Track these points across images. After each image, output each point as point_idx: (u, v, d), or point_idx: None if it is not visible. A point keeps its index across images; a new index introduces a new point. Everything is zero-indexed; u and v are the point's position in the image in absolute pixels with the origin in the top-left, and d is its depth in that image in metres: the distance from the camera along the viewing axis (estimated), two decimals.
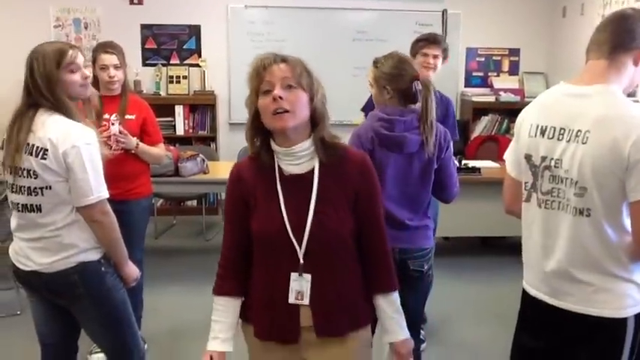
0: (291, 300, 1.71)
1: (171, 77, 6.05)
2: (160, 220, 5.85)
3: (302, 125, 1.68)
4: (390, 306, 1.81)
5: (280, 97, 1.62)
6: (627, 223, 1.72)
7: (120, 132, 3.10)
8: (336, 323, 1.75)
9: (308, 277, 1.71)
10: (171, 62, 6.12)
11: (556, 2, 6.28)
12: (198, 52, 6.14)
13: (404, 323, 1.83)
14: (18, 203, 2.17)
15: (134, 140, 3.17)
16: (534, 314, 1.95)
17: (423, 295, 2.64)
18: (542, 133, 1.82)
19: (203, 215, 5.88)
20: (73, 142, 2.08)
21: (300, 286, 1.71)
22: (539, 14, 6.37)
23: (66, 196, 2.13)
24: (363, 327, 1.84)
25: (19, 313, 3.84)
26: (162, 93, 6.02)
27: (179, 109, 6.01)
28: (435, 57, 3.44)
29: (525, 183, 1.90)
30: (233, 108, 6.20)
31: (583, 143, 1.70)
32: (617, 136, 1.64)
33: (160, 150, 3.39)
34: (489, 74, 6.48)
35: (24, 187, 2.13)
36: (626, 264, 1.73)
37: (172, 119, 6.00)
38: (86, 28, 5.98)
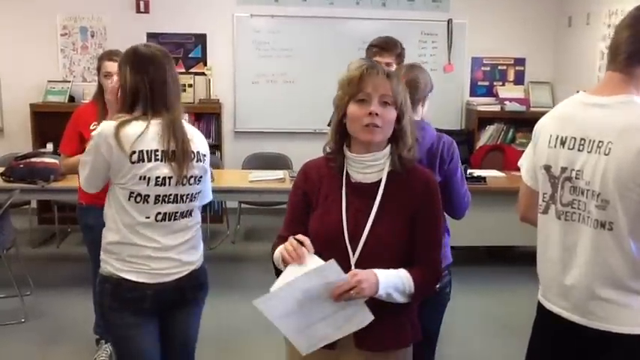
0: None
1: None
2: None
3: (385, 140, 1.74)
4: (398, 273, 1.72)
5: (376, 114, 1.67)
6: None
7: None
8: (377, 337, 1.73)
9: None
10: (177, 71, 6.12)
11: (562, 12, 6.28)
12: (203, 60, 6.16)
13: (390, 286, 1.67)
14: (175, 212, 2.09)
15: None
16: (550, 327, 1.90)
17: (438, 313, 2.56)
18: (562, 143, 1.76)
19: (207, 223, 5.85)
20: (207, 148, 2.23)
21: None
22: (544, 24, 6.37)
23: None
24: (406, 346, 1.82)
25: (23, 320, 3.83)
26: None
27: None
28: (388, 65, 3.23)
29: (543, 194, 1.83)
30: (238, 116, 6.21)
31: (605, 154, 1.64)
32: (637, 145, 1.58)
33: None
34: (495, 84, 6.47)
35: (187, 195, 2.11)
36: None
37: None
38: (92, 36, 6.01)
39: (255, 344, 3.48)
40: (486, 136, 6.25)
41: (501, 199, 4.78)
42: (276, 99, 6.11)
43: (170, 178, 2.05)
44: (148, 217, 2.06)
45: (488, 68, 6.46)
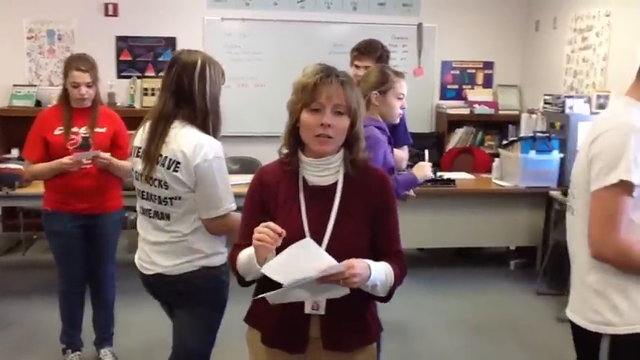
0: (307, 310, 1.72)
1: (146, 89, 6.00)
2: (133, 234, 5.75)
3: (337, 147, 1.76)
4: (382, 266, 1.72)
5: (329, 125, 1.68)
6: None
7: (98, 156, 3.05)
8: (345, 337, 1.76)
9: None
10: (146, 74, 6.07)
11: (529, 16, 6.38)
12: None
13: (377, 278, 1.67)
14: (149, 210, 2.24)
15: (110, 160, 3.11)
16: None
17: None
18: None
19: None
20: (205, 156, 2.12)
21: (316, 303, 1.72)
22: (512, 28, 6.46)
23: (193, 206, 2.18)
24: (371, 343, 1.85)
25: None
26: (137, 106, 5.96)
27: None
28: (367, 68, 3.25)
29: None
30: None
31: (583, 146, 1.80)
32: (591, 130, 1.72)
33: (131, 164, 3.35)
34: (464, 87, 6.54)
35: (155, 196, 2.20)
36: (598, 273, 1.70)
37: None
38: (60, 39, 5.91)
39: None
40: (456, 139, 6.31)
41: (470, 201, 4.85)
42: (248, 103, 6.08)
43: (141, 175, 2.21)
44: (139, 209, 2.32)
45: (457, 72, 6.53)
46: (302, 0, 6.16)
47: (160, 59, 6.06)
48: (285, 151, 1.81)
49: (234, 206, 2.22)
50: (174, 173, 2.13)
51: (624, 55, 4.83)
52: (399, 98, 2.78)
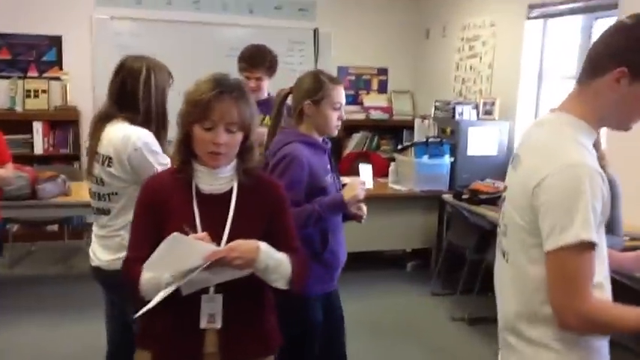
0: (203, 325, 1.68)
1: (29, 91, 5.60)
2: (16, 247, 5.38)
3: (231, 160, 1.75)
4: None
5: (221, 143, 1.66)
6: (535, 271, 1.42)
7: None
8: (243, 350, 1.74)
9: (219, 297, 1.69)
10: (28, 75, 5.66)
11: (420, 24, 6.60)
12: (59, 64, 5.74)
13: (271, 258, 1.68)
14: (94, 207, 2.35)
15: None
16: None
17: None
18: (511, 162, 1.58)
19: (65, 240, 5.50)
20: (134, 145, 2.18)
21: (211, 308, 1.69)
22: (405, 35, 6.66)
23: (130, 202, 2.14)
24: (271, 354, 1.84)
25: None
26: (19, 108, 5.55)
27: (37, 126, 5.55)
28: (258, 79, 3.25)
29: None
30: None
31: (515, 171, 1.50)
32: (533, 169, 1.39)
33: (7, 171, 3.11)
34: (360, 92, 6.66)
35: (95, 192, 2.31)
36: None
37: (30, 137, 5.53)
38: None
39: None
40: (353, 144, 6.41)
41: (368, 206, 4.89)
42: None
43: (87, 173, 2.34)
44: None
45: (353, 77, 6.64)
46: (197, 1, 6.01)
47: (44, 59, 5.69)
48: (177, 159, 1.76)
49: None
50: (108, 169, 2.22)
51: (507, 63, 5.12)
52: (336, 108, 2.42)
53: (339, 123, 2.47)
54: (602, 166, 1.50)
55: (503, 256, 1.52)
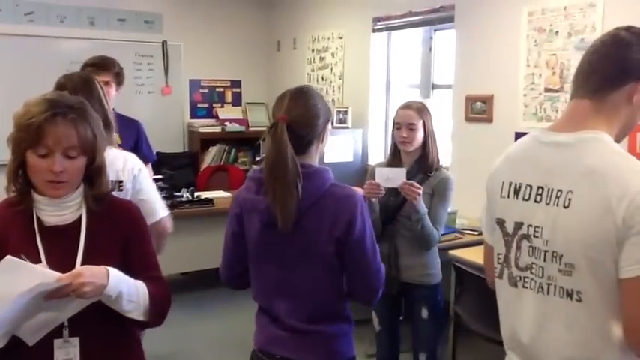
0: None
1: None
2: None
3: (74, 188, 1.57)
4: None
5: (60, 171, 1.48)
6: (611, 311, 1.28)
7: None
8: None
9: (75, 340, 1.51)
10: None
11: (271, 36, 6.65)
12: None
13: (123, 284, 1.53)
14: None
15: None
16: None
17: None
18: (517, 193, 1.43)
19: None
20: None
21: (67, 354, 1.50)
22: (257, 47, 6.67)
23: None
24: None
25: None
26: None
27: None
28: (106, 83, 3.06)
29: (498, 255, 1.49)
30: None
31: (565, 207, 1.31)
32: (609, 195, 1.25)
33: None
34: (214, 105, 6.56)
35: None
36: None
37: None
38: None
39: None
40: (210, 158, 6.29)
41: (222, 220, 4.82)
42: None
43: None
44: None
45: (206, 90, 6.52)
46: (30, 12, 5.57)
47: None
48: (13, 190, 1.55)
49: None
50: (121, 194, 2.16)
51: (357, 73, 5.31)
52: None
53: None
54: None
55: (570, 296, 1.32)
